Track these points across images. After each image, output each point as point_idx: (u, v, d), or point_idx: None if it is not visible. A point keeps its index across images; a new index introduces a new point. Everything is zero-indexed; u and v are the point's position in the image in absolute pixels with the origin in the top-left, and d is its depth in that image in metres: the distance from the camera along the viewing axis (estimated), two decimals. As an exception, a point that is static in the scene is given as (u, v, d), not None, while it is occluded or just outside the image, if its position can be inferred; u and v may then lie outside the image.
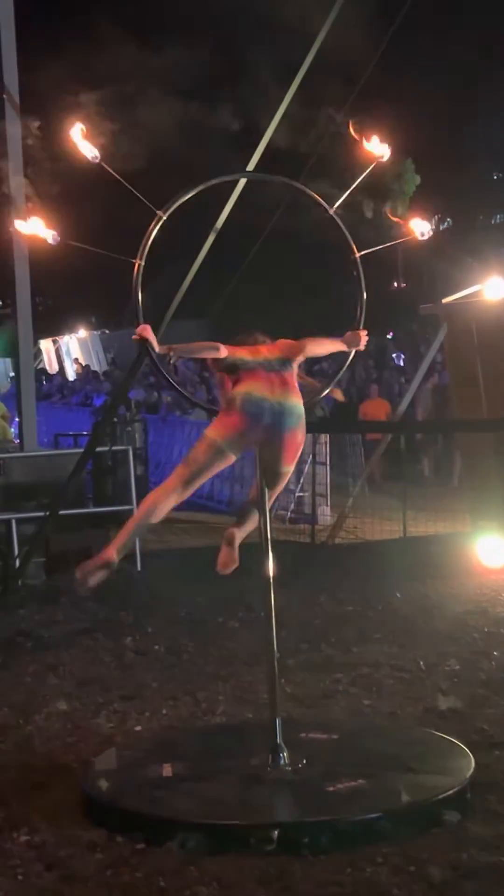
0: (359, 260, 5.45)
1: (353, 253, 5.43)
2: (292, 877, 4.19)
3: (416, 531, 12.22)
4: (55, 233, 5.27)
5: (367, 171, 5.54)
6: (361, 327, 5.46)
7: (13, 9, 11.69)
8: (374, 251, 5.55)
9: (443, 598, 9.08)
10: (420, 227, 5.55)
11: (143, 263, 5.21)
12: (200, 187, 5.38)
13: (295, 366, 5.29)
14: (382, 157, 5.50)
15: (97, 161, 5.25)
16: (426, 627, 8.10)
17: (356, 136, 5.50)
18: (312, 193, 5.50)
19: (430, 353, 13.40)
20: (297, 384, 5.29)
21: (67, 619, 8.89)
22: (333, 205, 5.45)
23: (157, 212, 5.23)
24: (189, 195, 5.30)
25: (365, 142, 5.51)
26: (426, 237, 5.53)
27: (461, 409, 12.16)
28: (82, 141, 5.24)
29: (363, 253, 5.46)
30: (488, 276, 11.18)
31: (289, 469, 5.36)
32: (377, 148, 5.50)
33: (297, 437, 5.25)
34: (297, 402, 5.24)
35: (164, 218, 5.24)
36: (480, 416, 11.37)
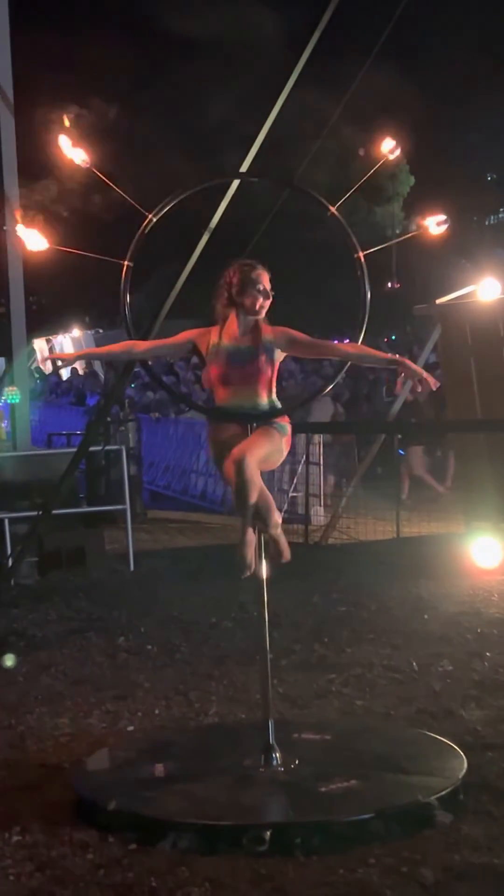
0: (363, 260, 5.41)
1: (357, 252, 5.39)
2: (284, 877, 4.18)
3: (410, 531, 12.24)
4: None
5: (374, 169, 5.52)
6: (364, 328, 5.44)
7: (7, 8, 11.70)
8: (377, 250, 5.53)
9: (436, 598, 9.09)
10: (435, 220, 5.52)
11: (132, 265, 5.21)
12: (191, 190, 5.37)
13: (279, 356, 5.23)
14: (390, 155, 5.49)
15: (87, 165, 5.28)
16: (419, 628, 8.10)
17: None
18: (314, 193, 5.47)
19: (424, 353, 13.39)
20: (273, 379, 5.22)
21: (60, 618, 8.88)
22: (335, 204, 5.41)
23: (147, 214, 5.23)
24: (179, 199, 5.29)
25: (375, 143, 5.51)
26: (443, 226, 5.49)
27: (455, 409, 12.16)
28: (71, 148, 5.27)
29: (367, 252, 5.43)
30: (482, 277, 11.23)
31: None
32: (387, 146, 5.49)
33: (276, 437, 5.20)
34: (264, 401, 5.19)
35: (154, 221, 5.25)
36: (474, 416, 11.38)
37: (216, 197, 9.82)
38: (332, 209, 5.39)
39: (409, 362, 5.31)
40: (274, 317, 5.30)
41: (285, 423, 5.27)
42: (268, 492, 5.23)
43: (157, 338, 5.90)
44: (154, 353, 5.61)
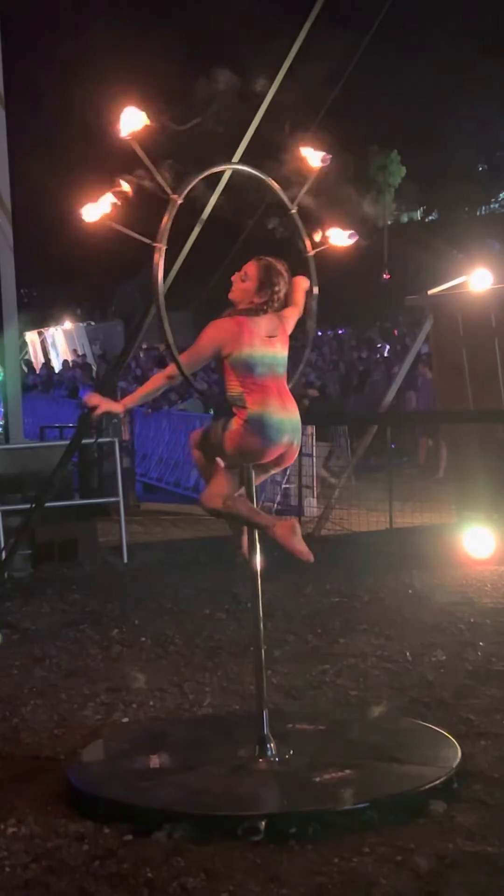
0: (311, 259, 5.45)
1: (308, 251, 5.44)
2: (279, 866, 4.20)
3: (403, 522, 12.25)
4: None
5: (312, 179, 5.51)
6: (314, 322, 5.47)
7: None
8: (322, 249, 5.53)
9: (429, 588, 9.11)
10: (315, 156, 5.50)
11: (165, 247, 5.07)
12: (214, 169, 5.35)
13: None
14: (320, 165, 5.49)
15: (130, 139, 5.07)
16: (412, 618, 8.11)
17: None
18: (277, 188, 5.44)
19: (416, 344, 13.40)
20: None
21: (53, 611, 8.89)
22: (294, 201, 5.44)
23: (172, 196, 5.13)
24: (201, 176, 5.23)
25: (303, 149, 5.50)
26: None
27: (446, 400, 12.17)
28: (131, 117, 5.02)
29: (316, 251, 5.46)
30: (474, 268, 11.24)
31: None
32: (313, 157, 5.49)
33: (298, 447, 5.22)
34: (298, 412, 5.17)
35: (180, 201, 5.14)
36: (466, 407, 11.39)
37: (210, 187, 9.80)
38: (293, 209, 5.41)
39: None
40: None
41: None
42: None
43: (151, 330, 5.85)
44: (193, 370, 5.29)
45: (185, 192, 5.14)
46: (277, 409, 5.02)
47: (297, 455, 5.31)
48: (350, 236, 5.48)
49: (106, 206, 5.10)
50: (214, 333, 5.06)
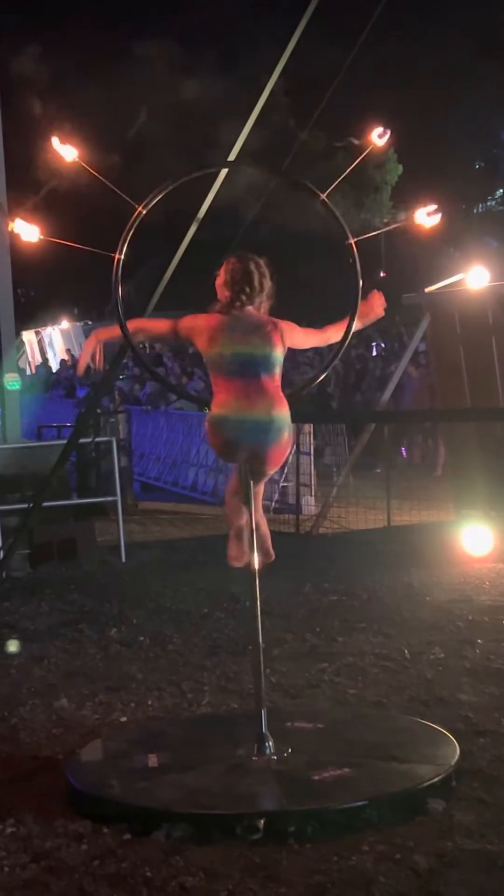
0: (354, 245, 5.40)
1: (349, 238, 5.38)
2: (278, 866, 4.20)
3: (401, 520, 12.26)
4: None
5: (361, 157, 5.52)
6: (356, 317, 5.43)
7: None
8: (370, 237, 5.53)
9: (427, 586, 9.11)
10: (425, 211, 5.52)
11: (122, 258, 5.19)
12: (181, 181, 5.35)
13: (280, 365, 5.20)
14: (379, 140, 5.49)
15: (76, 161, 5.31)
16: (410, 616, 8.11)
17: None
18: (305, 181, 5.46)
19: (413, 342, 13.40)
20: (279, 388, 5.16)
21: (52, 611, 8.89)
22: (324, 191, 5.40)
23: (136, 206, 5.21)
24: (168, 189, 5.27)
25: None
26: (435, 217, 5.49)
27: (445, 398, 12.18)
28: (61, 145, 5.32)
29: (358, 239, 5.42)
30: (471, 265, 11.23)
31: (273, 471, 5.35)
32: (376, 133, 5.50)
33: (282, 447, 5.16)
34: (279, 414, 5.10)
35: (144, 213, 5.22)
36: (464, 405, 11.40)
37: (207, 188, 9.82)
38: (323, 196, 5.38)
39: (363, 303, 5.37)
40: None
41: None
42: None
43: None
44: (147, 336, 5.60)
45: (151, 204, 5.21)
46: (238, 410, 5.04)
47: (286, 454, 5.29)
48: (430, 214, 5.47)
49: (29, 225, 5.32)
50: (187, 320, 5.19)
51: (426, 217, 5.51)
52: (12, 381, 12.48)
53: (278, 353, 5.15)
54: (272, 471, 5.33)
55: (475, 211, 43.94)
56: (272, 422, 5.08)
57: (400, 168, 36.92)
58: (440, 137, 36.15)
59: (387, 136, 5.48)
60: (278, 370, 5.17)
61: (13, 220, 5.44)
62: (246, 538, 5.28)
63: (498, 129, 41.69)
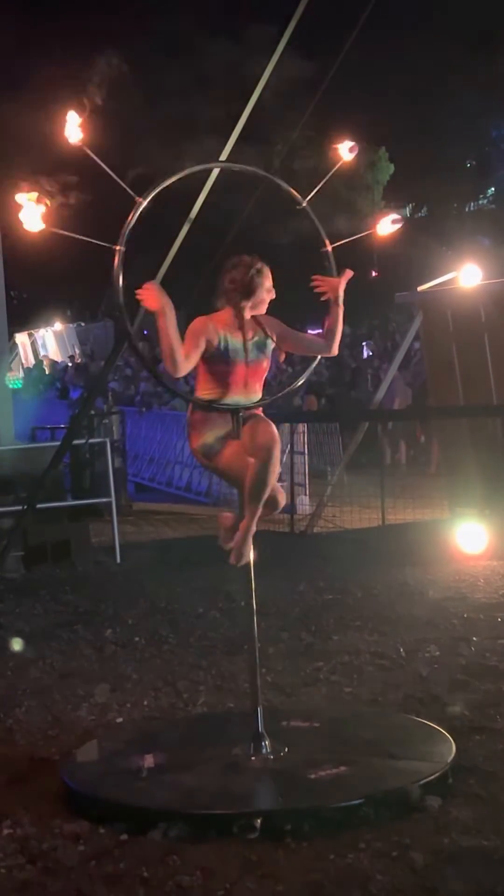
0: (330, 253, 5.42)
1: (325, 245, 5.41)
2: (275, 864, 4.20)
3: (395, 519, 12.27)
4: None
5: (337, 166, 5.52)
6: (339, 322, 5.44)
7: None
8: (345, 243, 5.53)
9: (422, 584, 9.12)
10: (390, 218, 5.52)
11: (123, 249, 5.13)
12: (181, 174, 5.33)
13: (271, 351, 5.24)
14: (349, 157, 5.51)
15: (80, 145, 5.15)
16: (406, 614, 8.12)
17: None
18: (285, 185, 5.46)
19: (406, 341, 13.41)
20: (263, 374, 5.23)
21: (47, 612, 8.88)
22: (305, 196, 5.42)
23: (137, 198, 5.15)
24: (169, 182, 5.24)
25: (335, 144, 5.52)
26: (398, 225, 5.51)
27: (437, 396, 12.19)
28: (73, 126, 5.15)
29: (335, 245, 5.44)
30: (463, 264, 11.26)
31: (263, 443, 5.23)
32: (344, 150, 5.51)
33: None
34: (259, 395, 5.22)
35: (144, 204, 5.17)
36: (457, 403, 11.41)
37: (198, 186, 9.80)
38: (304, 202, 5.40)
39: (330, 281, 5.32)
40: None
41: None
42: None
43: (142, 328, 5.82)
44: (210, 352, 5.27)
45: (151, 195, 5.17)
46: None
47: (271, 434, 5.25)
48: (393, 222, 5.48)
49: (34, 212, 5.14)
50: (199, 325, 5.17)
51: (390, 225, 5.51)
52: (14, 380, 12.49)
53: (271, 344, 5.24)
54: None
55: (467, 209, 43.94)
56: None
57: (391, 167, 36.93)
58: (431, 136, 36.16)
59: (356, 152, 5.49)
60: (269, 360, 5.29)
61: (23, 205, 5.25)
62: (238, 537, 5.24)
63: (490, 128, 41.73)
